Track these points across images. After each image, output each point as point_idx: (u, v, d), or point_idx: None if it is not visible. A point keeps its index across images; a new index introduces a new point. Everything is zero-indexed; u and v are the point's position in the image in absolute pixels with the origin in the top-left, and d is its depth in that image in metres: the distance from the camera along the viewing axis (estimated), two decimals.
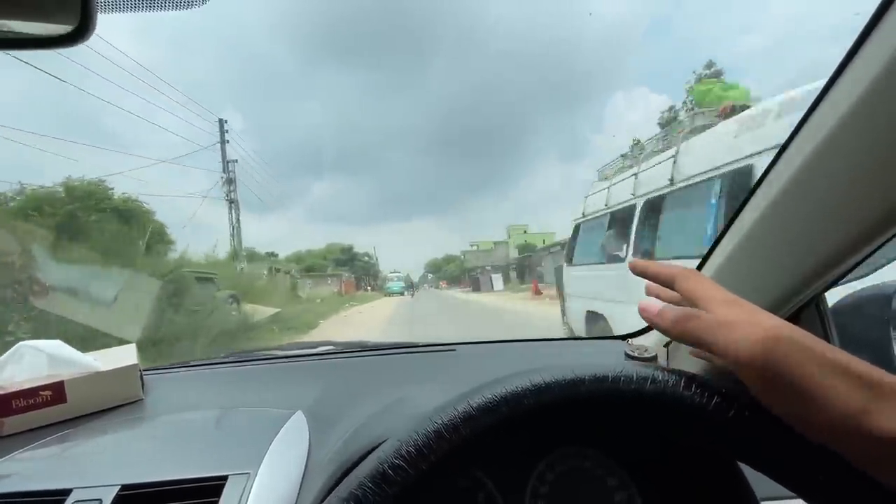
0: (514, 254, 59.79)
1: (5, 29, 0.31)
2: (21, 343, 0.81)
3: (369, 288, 46.89)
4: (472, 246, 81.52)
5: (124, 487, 0.50)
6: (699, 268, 0.75)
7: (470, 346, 1.09)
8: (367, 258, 49.94)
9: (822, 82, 0.46)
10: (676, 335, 0.37)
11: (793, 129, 0.53)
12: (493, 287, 38.85)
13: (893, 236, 0.45)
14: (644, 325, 0.96)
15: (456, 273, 71.82)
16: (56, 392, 0.75)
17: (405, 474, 0.32)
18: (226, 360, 1.06)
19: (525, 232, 69.97)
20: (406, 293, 38.52)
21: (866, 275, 0.73)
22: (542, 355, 1.07)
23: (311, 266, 38.53)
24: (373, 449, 0.52)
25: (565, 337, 1.30)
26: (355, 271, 45.42)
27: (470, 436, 0.32)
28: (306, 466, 0.58)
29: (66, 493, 0.49)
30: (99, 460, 0.60)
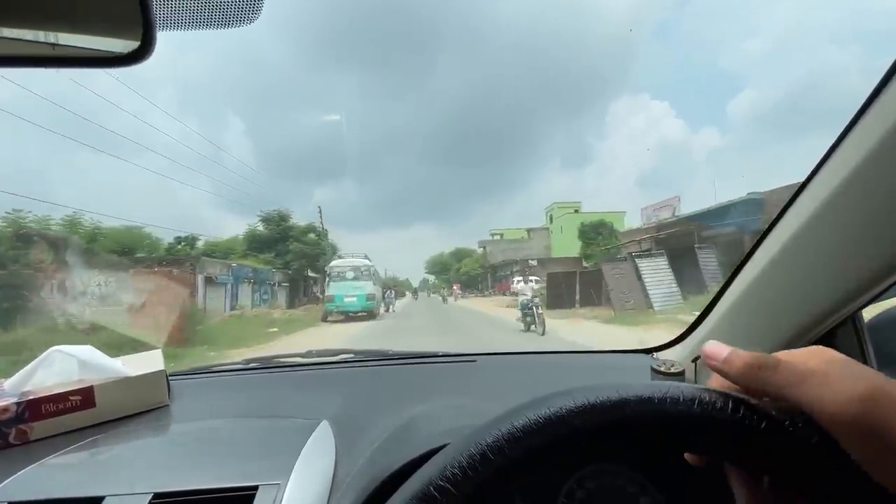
0: (564, 242, 42.25)
1: (69, 46, 0.32)
2: (53, 348, 0.82)
3: (321, 295, 20.51)
4: (492, 235, 58.98)
5: (157, 496, 0.50)
6: (726, 284, 0.74)
7: (490, 356, 1.08)
8: (312, 236, 24.46)
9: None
10: (749, 386, 0.33)
11: (832, 144, 0.52)
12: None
13: None
14: (671, 338, 0.95)
15: (475, 273, 48.95)
16: (86, 397, 0.76)
17: (452, 496, 0.31)
18: (248, 367, 1.07)
19: (577, 211, 48.06)
20: (386, 307, 19.01)
21: None
22: (565, 368, 1.05)
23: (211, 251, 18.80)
24: (407, 464, 0.52)
25: (588, 350, 1.29)
26: (289, 262, 22.06)
27: (517, 458, 0.32)
28: (334, 477, 0.58)
29: (100, 500, 0.50)
30: (130, 467, 0.61)
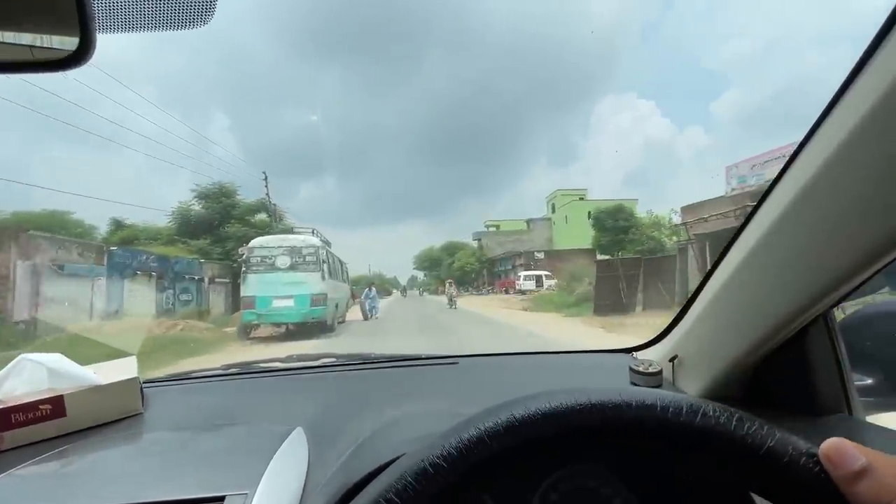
0: (570, 232, 39.11)
1: (3, 51, 0.31)
2: (22, 356, 0.80)
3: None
4: (488, 227, 54.02)
5: None
6: (702, 284, 0.75)
7: (472, 358, 1.08)
8: (263, 217, 18.82)
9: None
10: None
11: (798, 145, 0.53)
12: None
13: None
14: (648, 338, 0.95)
15: (471, 268, 43.02)
16: (56, 406, 0.75)
17: (440, 479, 0.31)
18: (227, 372, 1.06)
19: (582, 199, 44.01)
20: (366, 310, 13.18)
21: (872, 293, 0.72)
22: (546, 368, 1.05)
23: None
24: (377, 468, 0.51)
25: (567, 350, 1.28)
26: (230, 251, 15.69)
27: (512, 446, 0.31)
28: (305, 485, 0.57)
29: None
30: (96, 479, 0.59)
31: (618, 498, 0.60)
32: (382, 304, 18.02)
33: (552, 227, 46.85)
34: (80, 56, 0.28)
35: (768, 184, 0.58)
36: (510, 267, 37.62)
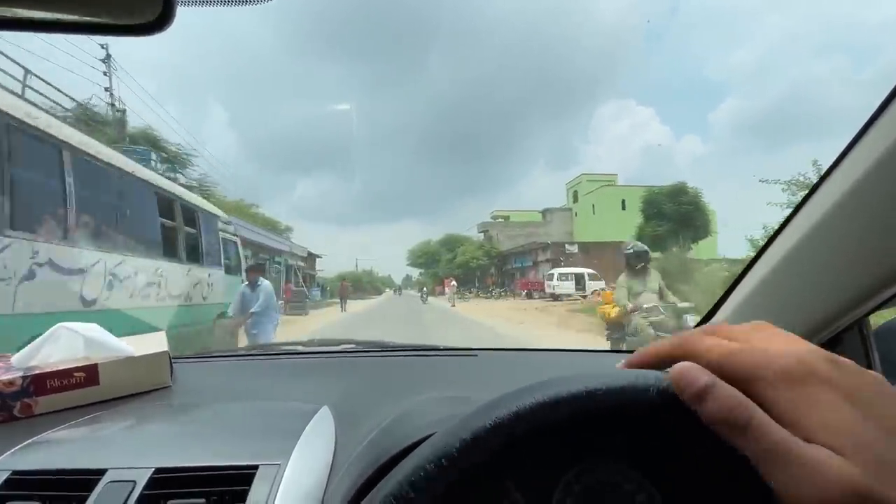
0: (597, 223, 32.98)
1: (89, 13, 0.32)
2: (59, 324, 0.83)
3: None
4: (493, 218, 46.29)
5: (158, 470, 0.50)
6: (729, 291, 0.74)
7: (491, 352, 1.08)
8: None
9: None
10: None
11: (843, 149, 0.52)
12: None
13: None
14: None
15: (477, 264, 35.19)
16: (89, 374, 0.77)
17: (457, 468, 0.32)
18: (251, 353, 1.08)
19: (611, 184, 37.72)
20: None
21: None
22: (564, 367, 1.05)
23: None
24: (406, 447, 0.52)
25: (589, 349, 1.28)
26: None
27: (540, 428, 0.32)
28: (333, 462, 0.58)
29: (102, 472, 0.50)
30: (132, 442, 0.61)
31: (642, 494, 0.60)
32: (369, 304, 15.07)
33: (573, 217, 41.03)
34: (159, 23, 0.30)
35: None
36: (530, 263, 30.62)
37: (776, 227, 0.63)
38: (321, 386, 0.84)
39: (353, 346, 1.13)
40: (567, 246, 28.01)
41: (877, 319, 0.66)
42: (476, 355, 1.05)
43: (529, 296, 24.26)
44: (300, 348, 1.11)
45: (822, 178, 0.55)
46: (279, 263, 20.14)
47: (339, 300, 19.29)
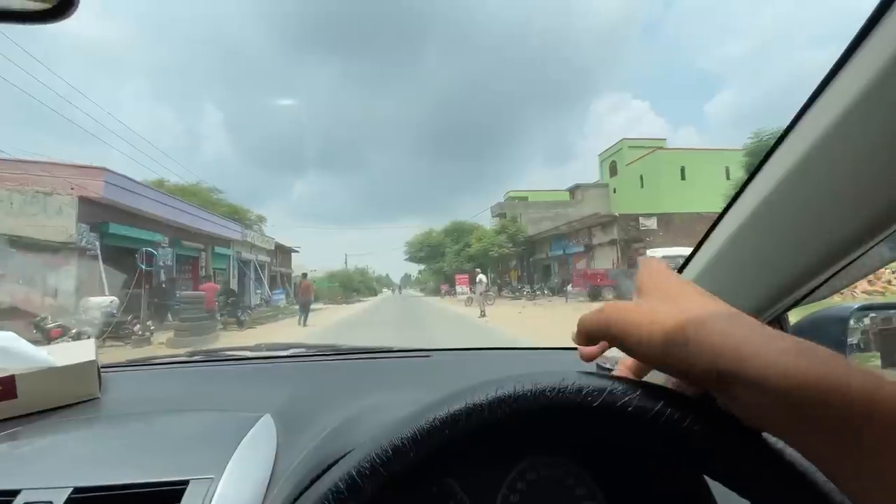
0: (645, 196, 26.69)
1: None
2: None
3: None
4: (507, 198, 39.02)
5: (77, 490, 0.47)
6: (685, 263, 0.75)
7: (445, 352, 1.08)
8: None
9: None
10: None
11: (781, 133, 0.52)
12: None
13: (867, 250, 0.44)
14: None
15: (499, 253, 27.64)
16: (6, 386, 0.71)
17: (382, 476, 0.32)
18: (191, 359, 1.03)
19: (662, 148, 30.26)
20: None
21: (826, 297, 0.76)
22: (518, 364, 1.07)
23: None
24: (347, 454, 0.51)
25: (542, 347, 1.31)
26: None
27: (477, 429, 0.32)
28: (273, 472, 0.56)
29: (14, 493, 0.46)
30: (51, 460, 0.57)
31: (582, 487, 0.62)
32: (354, 310, 11.80)
33: (610, 194, 33.76)
34: (61, 9, 0.27)
35: None
36: (581, 248, 21.49)
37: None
38: (265, 392, 0.81)
39: (302, 349, 1.10)
40: (641, 219, 19.54)
41: (793, 318, 0.71)
42: (429, 356, 1.05)
43: (596, 295, 16.21)
44: (246, 353, 1.07)
45: (762, 162, 0.54)
46: (224, 256, 18.52)
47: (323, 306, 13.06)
